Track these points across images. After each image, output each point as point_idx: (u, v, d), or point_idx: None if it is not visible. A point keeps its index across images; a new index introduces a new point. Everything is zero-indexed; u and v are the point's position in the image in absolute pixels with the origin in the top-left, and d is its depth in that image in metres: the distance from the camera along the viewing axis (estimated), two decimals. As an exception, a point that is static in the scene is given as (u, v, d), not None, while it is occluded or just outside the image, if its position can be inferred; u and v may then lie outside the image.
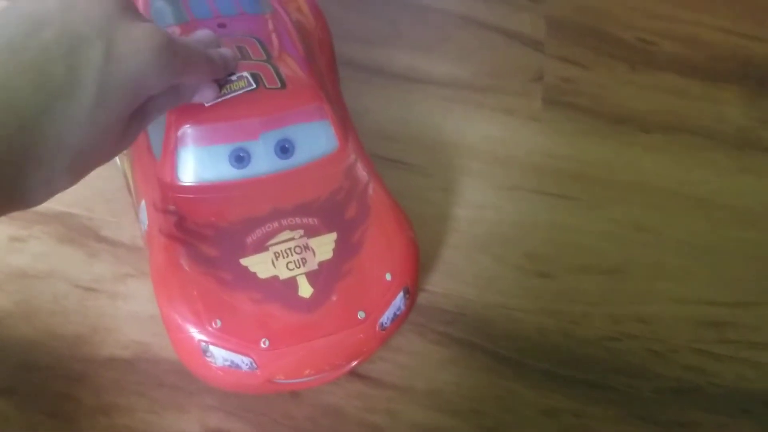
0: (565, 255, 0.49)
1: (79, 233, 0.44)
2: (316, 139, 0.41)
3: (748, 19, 0.66)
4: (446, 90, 0.56)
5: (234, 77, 0.39)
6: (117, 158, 0.45)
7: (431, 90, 0.56)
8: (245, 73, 0.40)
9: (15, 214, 0.43)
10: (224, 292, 0.36)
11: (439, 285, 0.46)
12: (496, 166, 0.52)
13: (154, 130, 0.39)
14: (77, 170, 0.29)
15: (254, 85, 0.39)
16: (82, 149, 0.28)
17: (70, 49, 0.27)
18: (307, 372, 0.37)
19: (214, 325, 0.35)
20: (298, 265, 0.37)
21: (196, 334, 0.35)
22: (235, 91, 0.39)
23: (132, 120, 0.31)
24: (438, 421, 0.41)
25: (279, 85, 0.40)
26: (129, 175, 0.42)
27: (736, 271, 0.50)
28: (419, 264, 0.41)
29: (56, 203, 0.45)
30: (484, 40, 0.60)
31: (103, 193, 0.46)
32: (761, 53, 0.65)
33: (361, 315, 0.38)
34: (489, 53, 0.59)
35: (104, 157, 0.31)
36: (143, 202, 0.39)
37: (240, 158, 0.39)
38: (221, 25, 0.43)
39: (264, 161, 0.39)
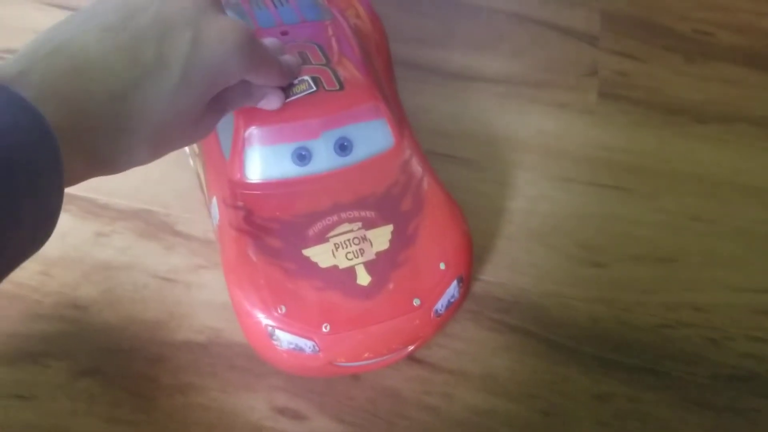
0: (619, 245, 0.49)
1: (157, 228, 0.48)
2: (373, 136, 0.43)
3: (810, 6, 0.65)
4: (500, 87, 0.58)
5: (296, 81, 0.42)
6: (191, 159, 0.48)
7: (485, 87, 0.57)
8: (306, 77, 0.42)
9: (100, 212, 0.48)
10: (288, 280, 0.39)
11: (495, 275, 0.48)
12: (549, 159, 0.53)
13: (224, 131, 0.42)
14: (157, 144, 0.32)
15: (314, 88, 0.42)
16: (163, 124, 0.31)
17: (161, 34, 0.31)
18: (366, 355, 0.39)
19: (279, 310, 0.38)
20: (356, 255, 0.40)
21: (264, 319, 0.38)
22: (297, 94, 0.42)
23: (209, 109, 0.34)
24: (492, 403, 0.43)
25: (337, 86, 0.43)
26: (201, 175, 0.46)
27: (796, 260, 0.49)
28: (472, 254, 0.43)
29: (136, 201, 0.49)
30: (538, 36, 0.61)
31: (178, 191, 0.49)
32: (824, 40, 0.64)
33: (416, 302, 0.40)
34: (542, 49, 0.61)
35: (182, 136, 0.34)
36: (214, 199, 0.43)
37: (302, 156, 0.42)
38: (284, 33, 0.46)
39: (324, 159, 0.42)
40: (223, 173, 0.42)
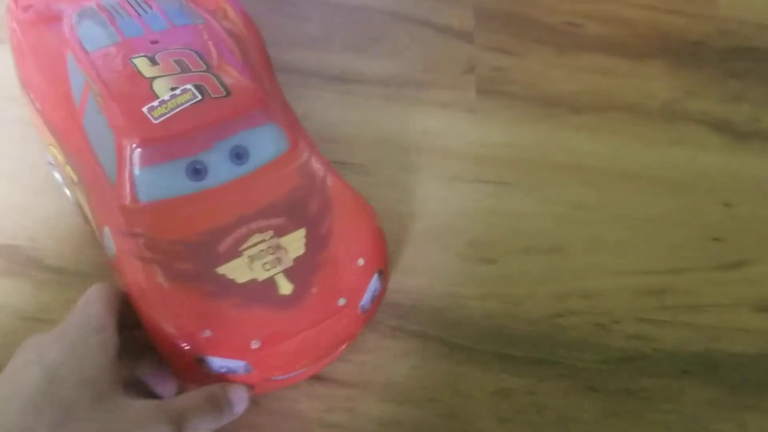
0: (507, 240, 0.50)
1: (23, 265, 0.44)
2: (267, 141, 0.42)
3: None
4: (381, 88, 0.57)
5: (178, 90, 0.40)
6: (66, 189, 0.45)
7: (367, 89, 0.57)
8: (189, 86, 0.40)
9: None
10: (208, 302, 0.37)
11: (390, 280, 0.47)
12: (435, 159, 0.54)
13: (104, 153, 0.39)
14: None
15: (200, 96, 0.40)
16: None
17: None
18: (300, 364, 0.39)
19: (204, 335, 0.36)
20: (274, 265, 0.39)
21: (190, 348, 0.36)
22: (181, 104, 0.39)
23: None
24: (395, 412, 0.42)
25: (224, 93, 0.41)
26: (84, 205, 0.42)
27: (671, 239, 0.52)
28: (387, 246, 0.43)
29: (-2, 236, 0.45)
30: (415, 35, 0.62)
31: (44, 221, 0.46)
32: (681, 26, 0.67)
33: (341, 302, 0.39)
34: (420, 49, 0.61)
35: None
36: (106, 229, 0.39)
37: (197, 171, 0.39)
38: (154, 42, 0.43)
39: (221, 170, 0.40)
40: (112, 200, 0.39)
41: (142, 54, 0.42)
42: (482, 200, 0.52)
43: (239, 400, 0.36)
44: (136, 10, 0.45)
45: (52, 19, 0.45)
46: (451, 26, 0.63)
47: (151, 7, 0.45)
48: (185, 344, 0.36)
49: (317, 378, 0.43)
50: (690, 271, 0.51)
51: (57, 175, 0.45)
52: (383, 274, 0.41)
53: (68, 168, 0.42)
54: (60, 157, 0.42)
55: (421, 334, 0.46)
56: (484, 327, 0.46)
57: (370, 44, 0.60)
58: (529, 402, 0.44)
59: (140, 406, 0.33)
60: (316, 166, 0.43)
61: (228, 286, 0.37)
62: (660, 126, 0.59)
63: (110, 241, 0.39)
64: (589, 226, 0.52)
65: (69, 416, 0.31)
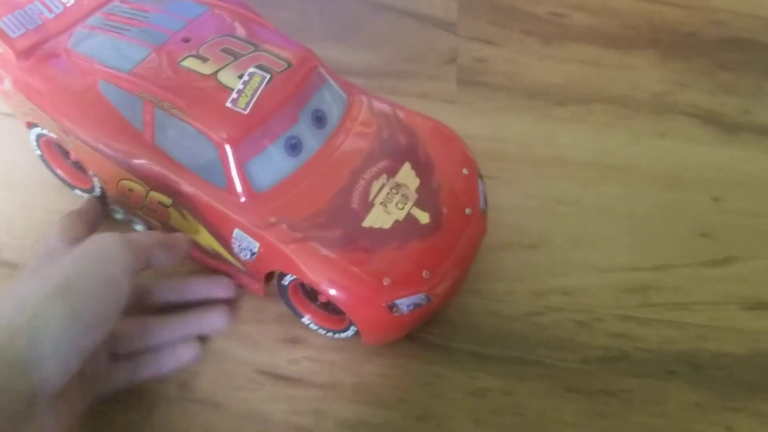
0: (487, 234, 0.48)
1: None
2: (332, 99, 0.43)
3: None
4: (360, 78, 0.55)
5: (246, 76, 0.39)
6: (139, 223, 0.45)
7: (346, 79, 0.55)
8: (252, 69, 0.40)
9: None
10: (373, 255, 0.38)
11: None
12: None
13: (199, 161, 0.39)
14: None
15: (268, 75, 0.40)
16: None
17: None
18: (461, 278, 0.42)
19: (385, 283, 0.38)
20: (404, 202, 0.40)
21: (379, 299, 0.38)
22: (257, 88, 0.39)
23: None
24: (366, 414, 0.40)
25: (285, 65, 0.41)
26: (184, 221, 0.41)
27: (656, 234, 0.50)
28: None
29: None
30: (396, 25, 0.60)
31: (1, 216, 0.44)
32: (672, 17, 0.65)
33: (468, 211, 0.42)
34: (402, 39, 0.59)
35: None
36: (236, 231, 0.39)
37: (294, 146, 0.40)
38: (186, 40, 0.42)
39: (311, 139, 0.41)
40: (229, 202, 0.39)
41: (186, 55, 0.41)
42: (461, 194, 0.50)
43: (184, 242, 0.39)
44: (138, 20, 0.43)
45: (48, 57, 0.42)
46: (434, 16, 0.61)
47: (147, 12, 0.44)
48: (375, 298, 0.38)
49: (284, 378, 0.41)
50: (676, 268, 0.49)
51: (119, 216, 0.45)
52: (482, 176, 0.44)
53: (153, 194, 0.41)
54: (139, 187, 0.41)
55: (395, 333, 0.44)
56: (460, 325, 0.44)
57: (349, 34, 0.58)
58: (506, 403, 0.42)
59: (110, 236, 0.34)
60: (381, 105, 0.44)
61: (380, 234, 0.39)
62: (648, 118, 0.57)
63: (247, 240, 0.39)
64: (570, 220, 0.50)
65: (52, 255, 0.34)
